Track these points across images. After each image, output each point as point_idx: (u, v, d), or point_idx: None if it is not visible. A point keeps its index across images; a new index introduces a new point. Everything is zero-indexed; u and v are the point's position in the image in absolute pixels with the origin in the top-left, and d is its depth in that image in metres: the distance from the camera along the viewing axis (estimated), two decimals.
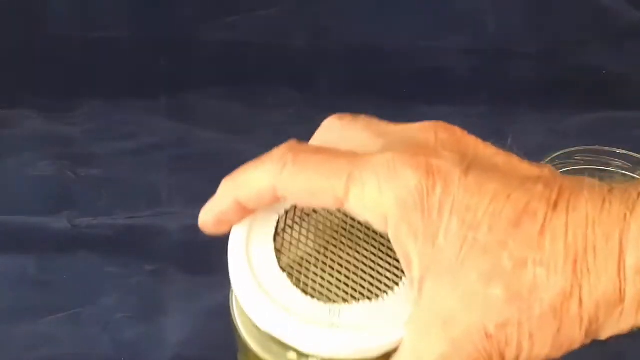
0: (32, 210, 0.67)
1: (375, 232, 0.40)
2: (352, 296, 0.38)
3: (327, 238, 0.40)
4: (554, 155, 0.62)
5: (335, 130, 0.42)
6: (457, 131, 0.39)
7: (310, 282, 0.38)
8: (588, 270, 0.34)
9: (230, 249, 0.40)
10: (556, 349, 0.36)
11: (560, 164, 0.63)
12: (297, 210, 0.41)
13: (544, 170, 0.38)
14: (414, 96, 0.82)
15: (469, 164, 0.36)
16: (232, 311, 0.41)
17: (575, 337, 0.36)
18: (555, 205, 0.35)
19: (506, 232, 0.35)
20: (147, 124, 0.78)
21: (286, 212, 0.40)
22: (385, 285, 0.39)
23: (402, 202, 0.36)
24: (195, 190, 0.70)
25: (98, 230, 0.66)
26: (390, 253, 0.39)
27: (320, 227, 0.40)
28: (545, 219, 0.35)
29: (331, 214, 0.41)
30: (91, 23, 0.81)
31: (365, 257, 0.40)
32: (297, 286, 0.38)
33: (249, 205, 0.39)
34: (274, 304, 0.38)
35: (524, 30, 0.83)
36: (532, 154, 0.64)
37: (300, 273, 0.39)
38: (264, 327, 0.38)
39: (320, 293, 0.38)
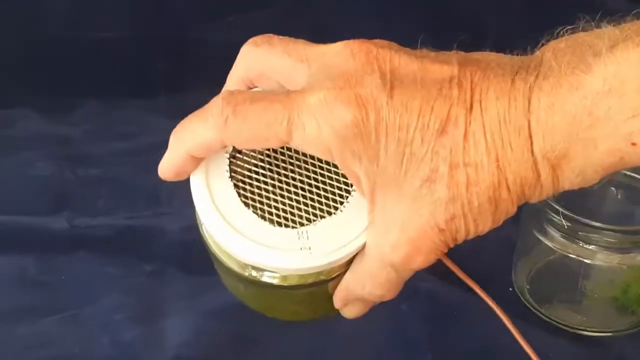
0: (32, 210, 0.67)
1: (313, 160, 0.44)
2: (313, 216, 0.42)
3: (277, 169, 0.43)
4: None
5: (255, 57, 0.45)
6: (372, 48, 0.42)
7: (274, 212, 0.42)
8: (509, 163, 0.40)
9: (194, 196, 0.43)
10: (496, 222, 0.42)
11: None
12: (242, 152, 0.43)
13: (454, 65, 0.43)
14: None
15: (391, 84, 0.41)
16: (200, 228, 0.44)
17: (509, 210, 0.42)
18: (471, 107, 0.41)
19: (436, 142, 0.40)
20: (147, 124, 0.78)
21: (235, 152, 0.43)
22: (339, 200, 0.43)
23: (342, 135, 0.40)
24: None
25: (98, 230, 0.66)
26: (337, 171, 0.43)
27: (269, 160, 0.43)
28: (465, 123, 0.40)
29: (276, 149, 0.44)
30: (91, 23, 0.81)
31: (315, 180, 0.43)
32: (263, 218, 0.42)
33: (200, 155, 0.43)
34: (249, 241, 0.41)
35: (524, 30, 0.83)
36: None
37: (262, 204, 0.42)
38: (244, 260, 0.42)
39: (285, 219, 0.42)
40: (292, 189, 0.43)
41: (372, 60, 0.42)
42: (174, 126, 0.85)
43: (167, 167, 0.44)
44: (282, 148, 0.43)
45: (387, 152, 0.40)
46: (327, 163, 0.43)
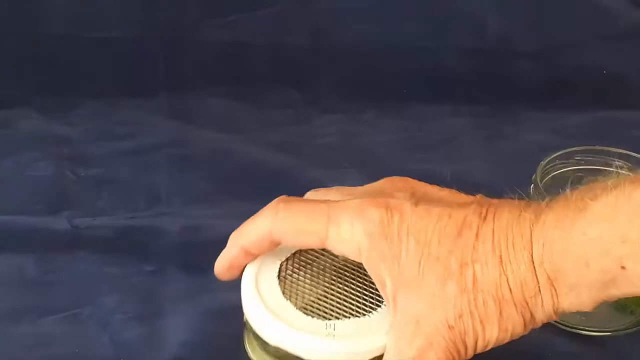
0: (32, 210, 0.67)
1: (358, 269, 0.50)
2: (343, 315, 0.47)
3: (320, 275, 0.50)
4: (554, 155, 0.62)
5: (315, 197, 0.51)
6: (410, 180, 0.50)
7: (308, 306, 0.48)
8: (510, 261, 0.44)
9: (243, 286, 0.49)
10: (503, 332, 0.44)
11: (560, 164, 0.63)
12: (295, 257, 0.50)
13: (477, 197, 0.48)
14: (414, 96, 0.82)
15: (418, 199, 0.47)
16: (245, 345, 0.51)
17: (516, 320, 0.44)
18: (485, 217, 0.45)
19: (452, 242, 0.44)
20: (147, 124, 0.78)
21: (287, 259, 0.50)
22: (370, 307, 0.48)
23: (370, 234, 0.45)
24: (195, 190, 0.71)
25: (98, 230, 0.66)
26: (372, 284, 0.48)
27: (315, 268, 0.50)
28: (478, 227, 0.45)
29: (323, 259, 0.50)
30: (91, 23, 0.81)
31: (352, 287, 0.49)
32: (299, 309, 0.47)
33: (253, 250, 0.49)
34: (281, 322, 0.46)
35: (524, 30, 0.83)
36: (532, 154, 0.65)
37: (301, 300, 0.48)
38: (273, 342, 0.47)
39: (318, 313, 0.47)
40: (331, 290, 0.49)
41: (408, 187, 0.49)
42: (174, 126, 0.85)
43: (221, 260, 0.50)
44: (327, 261, 0.50)
45: (407, 252, 0.45)
46: (365, 277, 0.49)
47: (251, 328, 0.48)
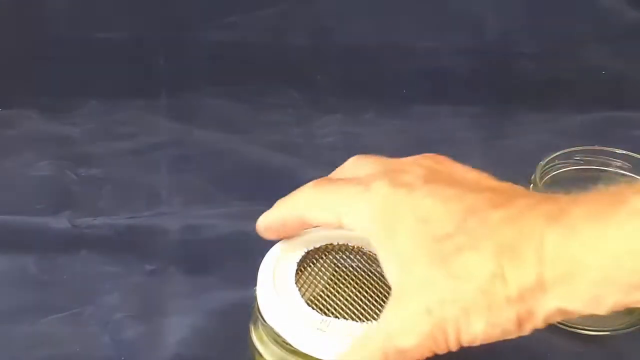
0: (32, 210, 0.68)
1: (376, 275, 0.49)
2: (344, 316, 0.47)
3: (340, 274, 0.49)
4: (554, 155, 0.63)
5: (351, 162, 0.51)
6: (441, 159, 0.47)
7: (314, 299, 0.48)
8: (513, 254, 0.40)
9: (264, 260, 0.49)
10: (491, 326, 0.41)
11: (560, 164, 0.63)
12: (325, 251, 0.50)
13: (505, 185, 0.45)
14: (414, 96, 0.82)
15: (435, 178, 0.45)
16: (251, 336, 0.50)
17: (508, 316, 0.41)
18: (496, 206, 0.42)
19: (453, 226, 0.42)
20: (147, 124, 0.78)
21: (316, 250, 0.50)
22: (373, 314, 0.47)
23: (374, 208, 0.44)
24: (195, 190, 0.71)
25: (98, 230, 0.66)
26: (384, 292, 0.48)
27: (338, 266, 0.50)
28: (484, 215, 0.42)
29: (351, 260, 0.50)
30: (91, 23, 0.81)
31: (366, 293, 0.48)
32: (303, 298, 0.47)
33: (288, 218, 0.49)
34: (281, 304, 0.47)
35: (524, 30, 0.83)
36: (532, 154, 0.65)
37: (310, 291, 0.48)
38: (268, 320, 0.47)
39: (320, 308, 0.47)
40: (344, 290, 0.48)
41: (433, 164, 0.47)
42: (175, 126, 0.85)
43: (263, 219, 0.50)
44: (359, 262, 0.50)
45: (406, 229, 0.43)
46: (381, 283, 0.48)
47: (257, 307, 0.49)
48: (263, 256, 0.50)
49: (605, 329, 0.59)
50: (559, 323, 0.59)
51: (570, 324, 0.59)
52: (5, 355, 0.57)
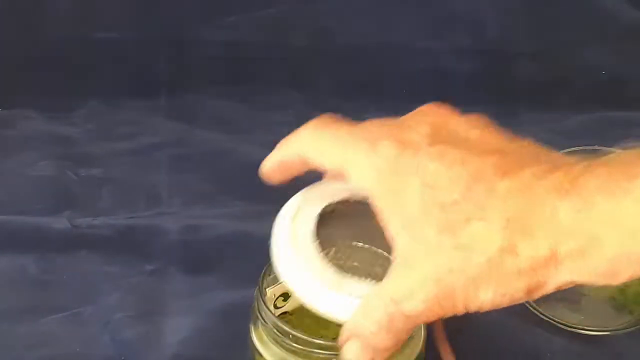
0: (32, 210, 0.68)
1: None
2: (360, 276, 0.45)
3: (357, 229, 0.48)
4: None
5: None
6: (442, 112, 0.46)
7: (330, 256, 0.46)
8: (523, 225, 0.40)
9: (280, 214, 0.48)
10: (500, 296, 0.41)
11: None
12: (343, 201, 0.48)
13: (508, 144, 0.44)
14: (414, 96, 0.82)
15: (441, 139, 0.43)
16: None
17: (518, 286, 0.40)
18: (504, 173, 0.41)
19: (459, 193, 0.41)
20: (147, 124, 0.78)
21: (337, 203, 0.48)
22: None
23: (378, 169, 0.43)
24: (195, 190, 0.71)
25: (98, 230, 0.66)
26: None
27: (356, 220, 0.48)
28: (490, 185, 0.41)
29: (367, 213, 0.46)
30: (91, 23, 0.81)
31: (380, 251, 0.47)
32: (321, 253, 0.45)
33: (290, 155, 0.48)
34: (297, 258, 0.45)
35: (524, 30, 0.83)
36: None
37: (330, 248, 0.46)
38: (281, 273, 0.46)
39: (336, 265, 0.45)
40: (362, 246, 0.48)
41: (438, 121, 0.45)
42: (174, 126, 0.85)
43: (266, 161, 0.49)
44: (371, 217, 0.46)
45: (412, 193, 0.42)
46: None
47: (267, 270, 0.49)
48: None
49: (605, 329, 0.59)
50: (559, 323, 0.59)
51: (570, 324, 0.59)
52: (5, 355, 0.57)
